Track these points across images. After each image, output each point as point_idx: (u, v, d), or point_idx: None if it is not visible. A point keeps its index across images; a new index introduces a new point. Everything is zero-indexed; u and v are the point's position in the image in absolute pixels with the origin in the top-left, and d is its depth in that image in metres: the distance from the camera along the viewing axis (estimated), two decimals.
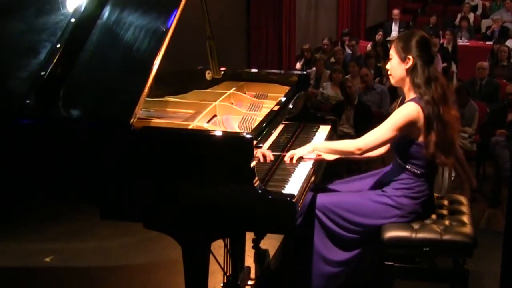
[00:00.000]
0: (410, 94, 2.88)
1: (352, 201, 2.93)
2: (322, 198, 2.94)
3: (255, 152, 2.43)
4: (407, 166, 2.89)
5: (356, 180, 3.21)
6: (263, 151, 2.73)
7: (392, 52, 2.92)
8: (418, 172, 2.88)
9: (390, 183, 2.94)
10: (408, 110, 2.80)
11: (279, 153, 2.93)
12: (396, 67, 2.91)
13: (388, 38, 11.56)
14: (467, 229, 2.89)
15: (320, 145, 2.99)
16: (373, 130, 2.86)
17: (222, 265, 3.24)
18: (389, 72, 2.97)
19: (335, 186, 3.15)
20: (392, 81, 2.99)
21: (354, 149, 2.86)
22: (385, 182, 2.98)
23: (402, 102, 2.97)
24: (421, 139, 2.82)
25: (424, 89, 2.80)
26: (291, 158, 2.89)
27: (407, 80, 2.88)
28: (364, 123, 5.83)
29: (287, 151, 3.05)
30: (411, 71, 2.85)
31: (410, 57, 2.84)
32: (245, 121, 2.99)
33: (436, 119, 2.78)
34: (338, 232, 2.93)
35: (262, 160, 2.71)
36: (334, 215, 2.91)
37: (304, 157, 2.94)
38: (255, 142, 2.46)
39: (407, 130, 2.80)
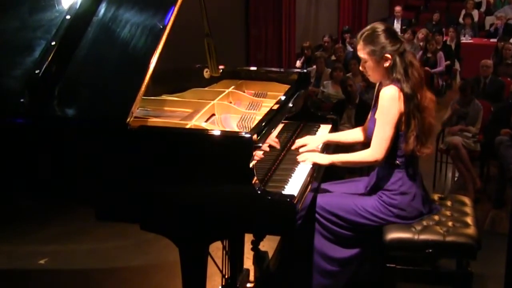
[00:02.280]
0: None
1: (347, 202, 2.95)
2: (320, 199, 2.96)
3: (254, 153, 2.43)
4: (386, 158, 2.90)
5: (355, 181, 3.22)
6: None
7: (364, 55, 2.86)
8: (397, 162, 2.89)
9: (379, 183, 2.97)
10: (391, 95, 2.78)
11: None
12: (374, 69, 2.88)
13: None
14: (471, 231, 2.90)
15: (338, 158, 2.95)
16: (374, 133, 2.85)
17: (221, 267, 3.24)
18: (367, 74, 2.94)
19: (335, 187, 3.15)
20: (372, 79, 2.97)
21: (373, 160, 2.85)
22: (375, 183, 3.01)
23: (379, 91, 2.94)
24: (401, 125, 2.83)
25: (405, 83, 2.79)
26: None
27: (388, 75, 2.85)
28: (365, 122, 5.83)
29: (287, 151, 3.05)
30: (391, 69, 2.83)
31: (388, 55, 2.82)
32: (244, 120, 2.99)
33: (416, 111, 2.79)
34: (336, 230, 2.95)
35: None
36: (331, 215, 2.94)
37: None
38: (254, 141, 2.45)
39: (400, 114, 2.80)
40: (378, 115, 2.84)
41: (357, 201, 2.94)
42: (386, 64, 2.83)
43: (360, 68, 2.94)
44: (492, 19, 12.17)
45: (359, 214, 2.91)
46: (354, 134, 3.25)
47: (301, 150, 3.02)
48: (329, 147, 3.24)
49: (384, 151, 2.83)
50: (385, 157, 2.86)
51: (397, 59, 2.81)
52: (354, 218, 2.91)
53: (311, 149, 3.04)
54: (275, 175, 2.78)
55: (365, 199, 2.96)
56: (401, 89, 2.78)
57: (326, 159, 2.94)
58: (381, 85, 2.93)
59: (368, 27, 2.91)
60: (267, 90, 3.52)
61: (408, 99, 2.78)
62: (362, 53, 2.87)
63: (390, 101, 2.79)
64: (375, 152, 2.84)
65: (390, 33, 2.84)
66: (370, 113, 3.03)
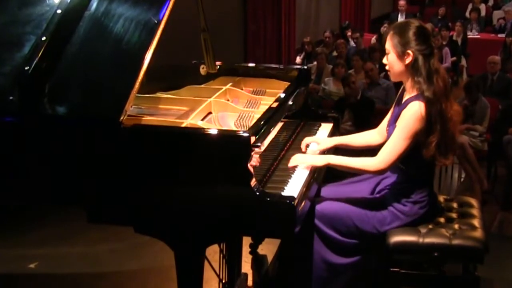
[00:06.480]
0: (413, 91, 2.83)
1: (352, 209, 2.92)
2: (321, 206, 2.94)
3: (252, 153, 2.43)
4: (402, 166, 2.88)
5: (359, 182, 3.20)
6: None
7: (388, 47, 2.85)
8: (414, 172, 2.88)
9: (389, 189, 2.95)
10: (416, 112, 2.74)
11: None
12: (394, 63, 2.84)
13: None
14: (478, 234, 2.89)
15: (336, 160, 2.90)
16: (386, 144, 2.82)
17: (218, 271, 3.24)
18: (387, 68, 2.91)
19: (336, 188, 3.14)
20: (391, 77, 2.95)
21: (375, 170, 2.82)
22: (384, 187, 2.99)
23: (401, 96, 2.95)
24: (421, 138, 2.79)
25: (426, 86, 2.75)
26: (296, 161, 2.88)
27: (408, 75, 2.83)
28: (366, 119, 5.84)
29: (286, 151, 3.05)
30: (411, 67, 2.80)
31: (410, 51, 2.78)
32: (242, 118, 2.99)
33: (439, 118, 2.75)
34: (337, 238, 2.92)
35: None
36: (333, 222, 2.91)
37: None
38: (252, 140, 2.45)
39: (421, 132, 2.76)
40: (399, 126, 2.79)
41: (363, 207, 2.92)
42: (407, 61, 2.79)
43: (383, 60, 2.92)
44: (500, 13, 12.19)
45: (362, 219, 2.89)
46: (368, 137, 3.19)
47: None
48: (333, 151, 3.21)
49: (390, 164, 2.79)
50: (401, 165, 2.84)
51: (420, 58, 2.77)
52: (360, 225, 2.88)
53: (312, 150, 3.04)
54: (274, 176, 2.78)
55: (372, 204, 2.94)
56: (421, 93, 2.75)
57: (321, 160, 2.90)
58: (404, 91, 2.91)
59: (405, 20, 2.92)
60: (266, 88, 3.53)
61: (430, 103, 2.73)
62: (387, 43, 2.86)
63: (413, 117, 2.74)
64: (380, 162, 2.80)
65: (421, 33, 2.80)
66: (390, 116, 3.01)
